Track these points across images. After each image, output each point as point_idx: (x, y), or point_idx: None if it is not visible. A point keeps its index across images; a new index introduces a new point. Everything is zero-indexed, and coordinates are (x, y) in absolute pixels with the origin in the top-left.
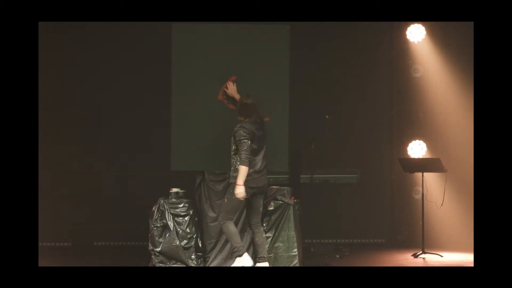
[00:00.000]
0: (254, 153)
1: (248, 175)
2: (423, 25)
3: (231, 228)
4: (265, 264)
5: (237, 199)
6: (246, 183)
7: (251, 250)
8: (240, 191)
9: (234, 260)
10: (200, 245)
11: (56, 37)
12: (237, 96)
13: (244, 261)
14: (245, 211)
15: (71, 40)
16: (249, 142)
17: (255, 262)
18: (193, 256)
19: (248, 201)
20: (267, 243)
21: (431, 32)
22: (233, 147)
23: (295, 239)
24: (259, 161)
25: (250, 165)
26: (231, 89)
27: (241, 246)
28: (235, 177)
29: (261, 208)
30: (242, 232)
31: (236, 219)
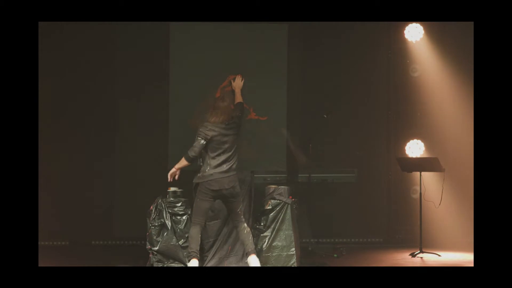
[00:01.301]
0: (217, 152)
1: (210, 175)
2: (421, 24)
3: (192, 231)
4: (254, 257)
5: (200, 201)
6: (207, 184)
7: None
8: (171, 172)
9: (188, 262)
10: None
11: (56, 37)
12: (238, 91)
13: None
14: (251, 211)
15: (71, 40)
16: (203, 142)
17: (245, 258)
18: None
19: (224, 204)
20: (264, 242)
21: (429, 32)
22: None
23: (292, 238)
24: (224, 163)
25: (212, 165)
26: (238, 83)
27: (193, 252)
28: (198, 177)
29: (239, 210)
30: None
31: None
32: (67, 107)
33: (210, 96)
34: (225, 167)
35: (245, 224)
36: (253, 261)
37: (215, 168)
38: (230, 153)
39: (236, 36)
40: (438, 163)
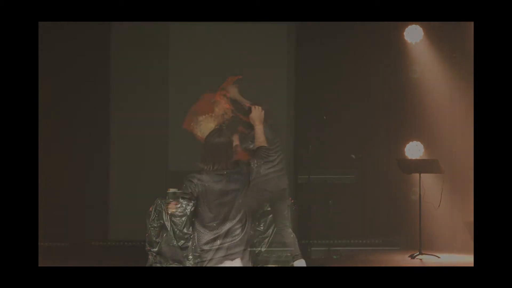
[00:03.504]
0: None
1: (265, 175)
2: (421, 25)
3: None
4: (302, 262)
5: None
6: (265, 185)
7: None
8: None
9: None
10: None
11: (56, 37)
12: (239, 98)
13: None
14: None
15: (71, 40)
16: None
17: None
18: (190, 256)
19: (272, 206)
20: (264, 243)
21: (429, 33)
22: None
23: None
24: (278, 162)
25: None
26: (233, 93)
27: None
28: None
29: (286, 212)
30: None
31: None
32: (67, 107)
33: (204, 97)
34: (279, 166)
35: (290, 229)
36: (301, 264)
37: (271, 167)
38: (280, 152)
39: (236, 36)
40: (437, 165)
